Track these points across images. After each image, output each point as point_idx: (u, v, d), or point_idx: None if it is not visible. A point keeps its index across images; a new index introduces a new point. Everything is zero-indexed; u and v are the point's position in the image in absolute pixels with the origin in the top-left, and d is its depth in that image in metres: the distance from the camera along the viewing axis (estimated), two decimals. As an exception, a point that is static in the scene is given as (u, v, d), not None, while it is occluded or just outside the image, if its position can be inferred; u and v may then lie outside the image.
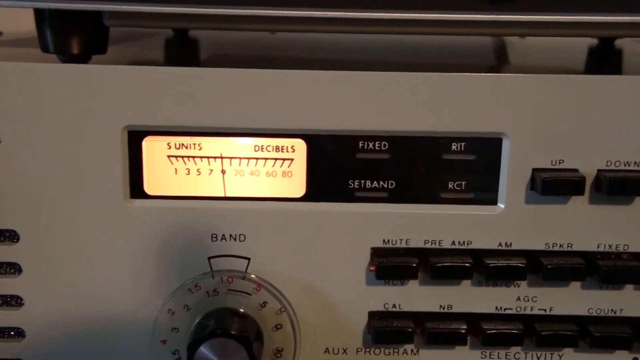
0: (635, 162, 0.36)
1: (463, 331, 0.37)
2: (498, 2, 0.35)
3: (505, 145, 0.36)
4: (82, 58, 0.38)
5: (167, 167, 0.37)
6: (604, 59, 0.53)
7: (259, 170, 0.37)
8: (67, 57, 0.38)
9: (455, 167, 0.36)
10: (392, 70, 0.35)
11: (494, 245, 0.37)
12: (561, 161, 0.36)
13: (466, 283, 0.37)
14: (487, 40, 0.59)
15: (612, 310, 0.38)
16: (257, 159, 0.37)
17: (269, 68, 0.35)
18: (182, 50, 0.55)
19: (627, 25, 0.35)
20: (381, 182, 0.37)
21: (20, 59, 0.40)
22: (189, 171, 0.37)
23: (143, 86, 0.35)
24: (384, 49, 0.52)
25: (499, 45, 0.58)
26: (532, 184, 0.36)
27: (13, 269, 0.37)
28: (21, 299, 0.37)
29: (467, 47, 0.55)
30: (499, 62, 0.53)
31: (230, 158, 0.37)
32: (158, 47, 0.56)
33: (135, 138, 0.36)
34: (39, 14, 0.37)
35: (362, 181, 0.37)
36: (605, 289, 0.37)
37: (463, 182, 0.37)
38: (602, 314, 0.38)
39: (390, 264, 0.36)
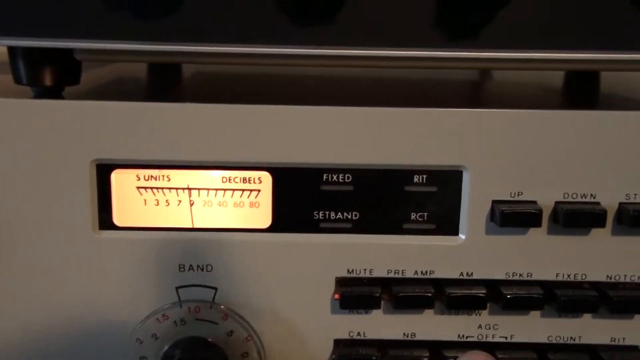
0: (591, 194, 0.37)
1: (426, 359, 0.38)
2: (458, 39, 0.35)
3: (466, 178, 0.37)
4: (55, 89, 0.39)
5: (137, 198, 0.38)
6: (581, 88, 0.54)
7: (226, 200, 0.38)
8: (40, 89, 0.39)
9: (417, 198, 0.37)
10: (360, 104, 0.36)
11: (455, 275, 0.38)
12: (520, 193, 0.37)
13: (429, 312, 0.38)
14: (464, 72, 0.60)
15: (571, 337, 0.39)
16: (224, 189, 0.38)
17: (237, 101, 0.36)
18: (156, 76, 0.56)
19: (600, 61, 0.36)
20: (345, 214, 0.38)
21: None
22: (158, 202, 0.38)
23: (111, 121, 0.36)
24: (351, 81, 0.53)
25: (476, 77, 0.59)
26: (492, 216, 0.37)
27: (-17, 297, 0.38)
28: (-9, 327, 0.38)
29: (442, 78, 0.57)
30: (474, 92, 0.54)
31: (199, 189, 0.38)
32: (133, 72, 0.57)
33: (104, 171, 0.37)
34: (12, 49, 0.38)
35: (327, 212, 0.38)
36: (564, 317, 0.38)
37: (425, 214, 0.38)
38: (562, 341, 0.39)
39: (354, 294, 0.37)
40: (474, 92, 0.54)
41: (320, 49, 0.35)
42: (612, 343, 0.38)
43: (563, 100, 0.52)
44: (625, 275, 0.37)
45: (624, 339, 0.38)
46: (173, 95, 0.49)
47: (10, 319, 0.38)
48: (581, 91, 0.53)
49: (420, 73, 0.56)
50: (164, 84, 0.55)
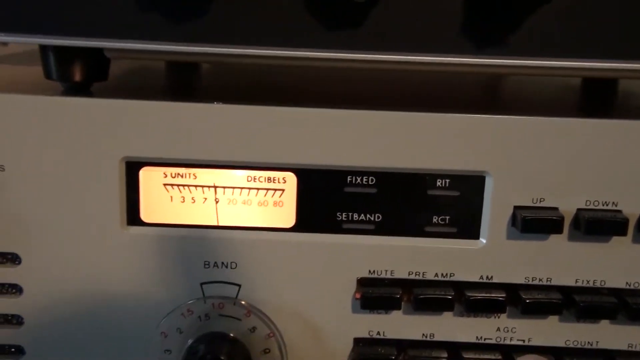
0: (613, 202, 0.37)
1: (444, 359, 0.39)
2: (486, 47, 0.36)
3: (489, 183, 0.37)
4: (84, 85, 0.40)
5: (163, 195, 0.38)
6: (599, 93, 0.54)
7: (251, 199, 0.38)
8: (69, 85, 0.40)
9: (439, 202, 0.38)
10: (383, 107, 0.37)
11: (475, 278, 0.38)
12: (542, 199, 0.37)
13: (448, 313, 0.39)
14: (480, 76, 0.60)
15: (588, 342, 0.39)
16: (249, 188, 0.38)
17: (263, 102, 0.36)
18: (181, 74, 0.56)
19: (619, 70, 0.36)
20: (368, 215, 0.38)
21: (24, 81, 0.42)
22: (184, 199, 0.38)
23: (140, 119, 0.36)
24: (376, 84, 0.53)
25: (493, 80, 0.59)
26: (513, 221, 0.37)
27: (14, 289, 0.39)
28: (22, 318, 0.39)
29: (460, 82, 0.57)
30: (492, 96, 0.54)
31: (224, 187, 0.38)
32: (159, 70, 0.57)
33: (132, 168, 0.38)
34: (43, 46, 0.39)
35: (350, 214, 0.38)
36: (582, 322, 0.39)
37: (447, 217, 0.38)
38: (579, 346, 0.39)
39: (375, 294, 0.38)
40: (492, 93, 0.54)
41: (348, 53, 0.35)
42: (630, 349, 0.39)
43: (582, 100, 0.52)
44: (645, 283, 0.38)
45: (641, 345, 0.39)
46: (194, 91, 0.50)
47: (41, 311, 0.39)
48: (600, 91, 0.53)
49: (435, 77, 0.57)
50: (183, 77, 0.55)
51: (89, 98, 0.37)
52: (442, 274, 0.38)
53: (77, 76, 0.39)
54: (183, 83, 0.53)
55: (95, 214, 0.37)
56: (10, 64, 0.53)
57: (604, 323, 0.39)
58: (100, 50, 0.39)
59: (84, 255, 0.38)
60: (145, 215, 0.38)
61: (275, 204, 0.38)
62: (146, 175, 0.38)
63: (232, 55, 0.36)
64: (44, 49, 0.39)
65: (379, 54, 0.36)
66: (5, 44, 0.62)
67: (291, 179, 0.38)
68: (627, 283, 0.38)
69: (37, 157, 0.37)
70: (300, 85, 0.51)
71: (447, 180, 0.38)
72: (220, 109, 0.36)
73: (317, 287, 0.39)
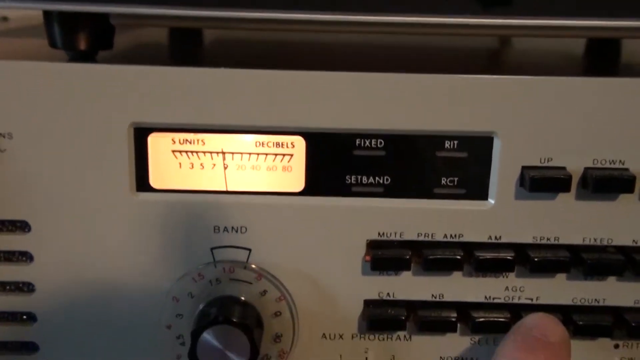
0: (620, 161, 0.37)
1: (453, 319, 0.39)
2: (491, 6, 0.36)
3: (497, 144, 0.37)
4: (89, 53, 0.40)
5: (172, 162, 0.38)
6: (602, 55, 0.55)
7: (260, 164, 0.39)
8: (75, 53, 0.40)
9: (448, 164, 0.38)
10: (390, 70, 0.37)
11: (484, 239, 0.38)
12: (550, 159, 0.37)
13: (457, 274, 0.39)
14: (485, 39, 0.60)
15: (595, 300, 0.39)
16: (258, 154, 0.38)
17: (270, 67, 0.36)
18: (186, 42, 0.56)
19: (624, 29, 0.37)
20: (377, 178, 0.38)
21: (28, 52, 0.42)
22: (192, 165, 0.39)
23: (148, 85, 0.36)
24: (383, 48, 0.53)
25: (497, 44, 0.59)
26: (522, 181, 0.37)
27: (25, 257, 0.39)
28: (33, 285, 0.39)
29: (465, 46, 0.57)
30: (496, 60, 0.54)
31: (232, 153, 0.38)
32: (163, 37, 0.57)
33: (141, 134, 0.38)
34: (47, 13, 0.39)
35: (359, 177, 0.38)
36: (590, 280, 0.39)
37: (455, 179, 0.38)
38: (586, 303, 0.39)
39: (384, 256, 0.38)
40: (495, 60, 0.54)
41: (355, 15, 0.35)
42: (636, 305, 0.39)
43: (585, 64, 0.52)
44: (652, 240, 0.38)
45: (647, 301, 0.39)
46: (198, 61, 0.49)
47: (50, 277, 0.39)
48: (602, 59, 0.54)
49: (440, 41, 0.56)
50: (187, 48, 0.55)
51: (96, 64, 0.37)
52: (451, 235, 0.38)
53: (83, 44, 0.39)
54: (187, 54, 0.53)
55: (105, 181, 0.37)
56: (13, 37, 0.53)
57: (611, 280, 0.39)
58: (105, 18, 0.39)
59: (94, 222, 0.38)
60: (154, 181, 0.38)
61: (284, 168, 0.39)
62: (154, 141, 0.38)
63: (238, 20, 0.36)
64: (48, 16, 0.39)
65: (384, 16, 0.36)
66: (6, 19, 0.62)
67: (300, 143, 0.38)
68: (633, 240, 0.38)
69: (44, 124, 0.37)
70: (307, 51, 0.51)
71: (456, 142, 0.38)
72: (227, 73, 0.36)
73: (327, 250, 0.39)
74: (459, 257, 0.38)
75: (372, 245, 0.39)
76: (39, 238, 0.38)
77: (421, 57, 0.49)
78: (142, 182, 0.38)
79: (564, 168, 0.37)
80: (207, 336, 0.36)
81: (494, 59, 0.55)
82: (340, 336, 0.40)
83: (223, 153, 0.38)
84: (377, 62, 0.46)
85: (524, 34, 0.39)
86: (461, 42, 0.58)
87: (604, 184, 0.37)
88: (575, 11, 0.36)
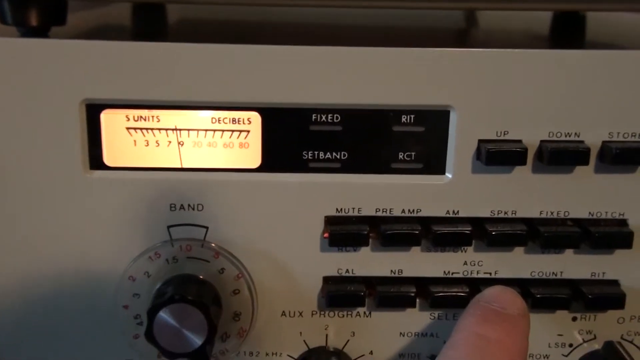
0: (575, 133, 0.37)
1: (412, 294, 0.39)
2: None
3: (453, 118, 0.37)
4: (41, 30, 0.39)
5: (126, 139, 0.38)
6: (567, 33, 0.55)
7: (216, 141, 0.38)
8: (26, 29, 0.39)
9: (404, 138, 0.38)
10: (347, 44, 0.36)
11: (441, 213, 0.38)
12: (506, 132, 0.37)
13: (415, 249, 0.39)
14: (452, 19, 0.60)
15: (553, 273, 0.40)
16: (214, 130, 0.38)
17: (226, 42, 0.36)
18: (149, 21, 0.55)
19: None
20: (334, 153, 0.38)
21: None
22: (147, 143, 0.38)
23: (100, 60, 0.36)
24: (339, 24, 0.53)
25: (464, 24, 0.59)
26: (478, 155, 0.37)
27: (-24, 238, 0.38)
28: (-14, 267, 0.39)
29: (432, 25, 0.57)
30: (462, 39, 0.54)
31: (188, 130, 0.38)
32: (120, 13, 0.56)
33: (93, 111, 0.37)
34: (-4, -13, 0.38)
35: (316, 152, 0.38)
36: (547, 253, 0.39)
37: (412, 153, 0.38)
38: (544, 276, 0.40)
39: (342, 232, 0.38)
40: (460, 38, 0.55)
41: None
42: (593, 277, 0.40)
43: (548, 46, 0.52)
44: (607, 212, 0.38)
45: (603, 273, 0.40)
46: (160, 38, 0.49)
47: (1, 258, 0.38)
48: (567, 37, 0.54)
49: (407, 19, 0.56)
50: (149, 29, 0.54)
51: (46, 39, 0.36)
52: (409, 210, 0.38)
53: (34, 20, 0.38)
54: (149, 33, 0.52)
55: (57, 159, 0.37)
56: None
57: (568, 253, 0.39)
58: (56, -8, 0.38)
59: (47, 202, 0.37)
60: (108, 159, 0.38)
61: (240, 145, 0.38)
62: (108, 118, 0.37)
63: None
64: (-3, -9, 0.38)
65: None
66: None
67: (256, 119, 0.38)
68: (590, 213, 0.38)
69: (-6, 101, 0.36)
70: (265, 28, 0.51)
71: (412, 116, 0.38)
72: (182, 47, 0.36)
73: (285, 227, 0.39)
74: (417, 232, 0.38)
75: (330, 221, 0.38)
76: (-9, 218, 0.38)
77: (380, 34, 0.49)
78: (96, 160, 0.38)
79: (519, 141, 0.37)
80: (164, 315, 0.35)
81: (460, 38, 0.55)
82: (300, 313, 0.40)
83: (178, 130, 0.38)
84: (335, 36, 0.46)
85: (489, 7, 0.39)
86: (428, 21, 0.58)
87: (559, 156, 0.37)
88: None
